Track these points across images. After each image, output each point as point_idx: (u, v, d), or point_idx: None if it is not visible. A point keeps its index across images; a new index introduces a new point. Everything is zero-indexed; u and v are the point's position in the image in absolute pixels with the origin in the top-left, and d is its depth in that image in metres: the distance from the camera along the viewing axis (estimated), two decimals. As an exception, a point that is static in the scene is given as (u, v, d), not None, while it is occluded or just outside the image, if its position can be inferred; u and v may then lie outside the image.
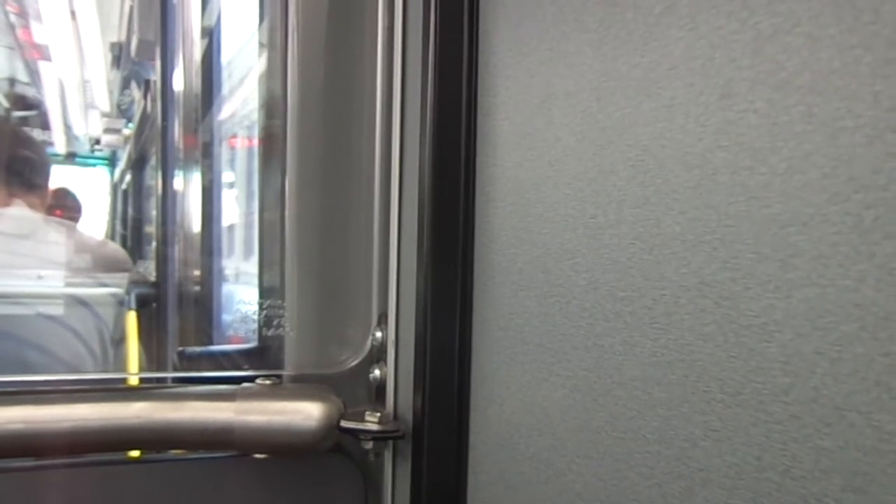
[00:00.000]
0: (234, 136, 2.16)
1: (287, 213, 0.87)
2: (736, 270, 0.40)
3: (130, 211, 4.25)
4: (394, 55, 0.83)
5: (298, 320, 0.87)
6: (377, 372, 0.85)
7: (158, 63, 2.14)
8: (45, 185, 1.81)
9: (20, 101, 3.77)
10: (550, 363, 0.59)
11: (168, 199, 2.09)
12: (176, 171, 2.04)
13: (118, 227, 4.76)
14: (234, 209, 2.24)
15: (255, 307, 1.25)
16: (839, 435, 0.34)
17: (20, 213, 1.72)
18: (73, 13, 2.87)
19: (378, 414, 0.78)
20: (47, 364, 1.60)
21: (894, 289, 0.32)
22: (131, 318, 1.81)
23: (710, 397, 0.42)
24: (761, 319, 0.39)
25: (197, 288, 1.96)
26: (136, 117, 3.47)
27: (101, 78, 3.71)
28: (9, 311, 1.64)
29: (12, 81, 3.85)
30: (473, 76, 0.71)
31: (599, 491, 0.53)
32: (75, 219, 2.63)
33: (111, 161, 5.24)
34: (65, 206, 2.48)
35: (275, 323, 0.94)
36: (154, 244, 2.37)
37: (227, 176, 2.18)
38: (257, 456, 0.79)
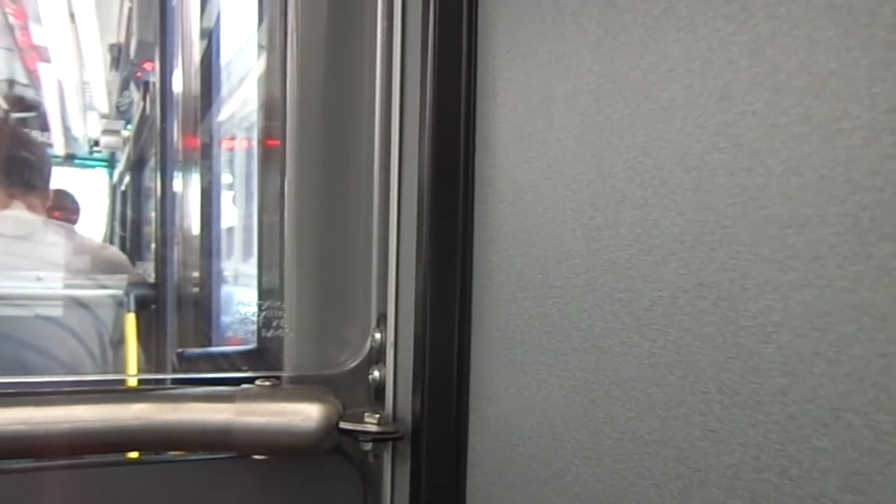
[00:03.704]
0: (233, 137, 2.17)
1: (286, 214, 0.87)
2: (734, 271, 0.41)
3: (129, 212, 4.25)
4: (393, 57, 0.83)
5: (297, 321, 0.87)
6: (376, 373, 0.85)
7: (157, 64, 2.14)
8: (45, 187, 1.81)
9: (19, 103, 3.77)
10: (549, 364, 0.59)
11: (167, 200, 2.09)
12: (175, 173, 2.04)
13: (117, 229, 4.76)
14: (234, 210, 2.24)
15: (255, 308, 1.25)
16: (837, 435, 0.34)
17: (19, 214, 1.72)
18: (72, 15, 2.87)
19: (377, 415, 0.78)
20: (46, 366, 1.60)
21: (892, 290, 0.32)
22: (130, 320, 1.81)
23: (709, 398, 0.42)
24: (759, 320, 0.39)
25: (196, 289, 1.96)
26: (135, 119, 3.47)
27: (100, 79, 3.71)
28: (8, 313, 1.64)
29: (11, 83, 3.85)
30: (472, 78, 0.72)
31: (598, 491, 0.53)
32: (73, 220, 2.64)
33: (110, 162, 5.24)
34: (62, 208, 2.48)
35: (274, 324, 0.94)
36: (153, 246, 2.37)
37: (226, 177, 2.18)
38: (256, 457, 0.79)
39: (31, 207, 1.75)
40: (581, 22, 0.55)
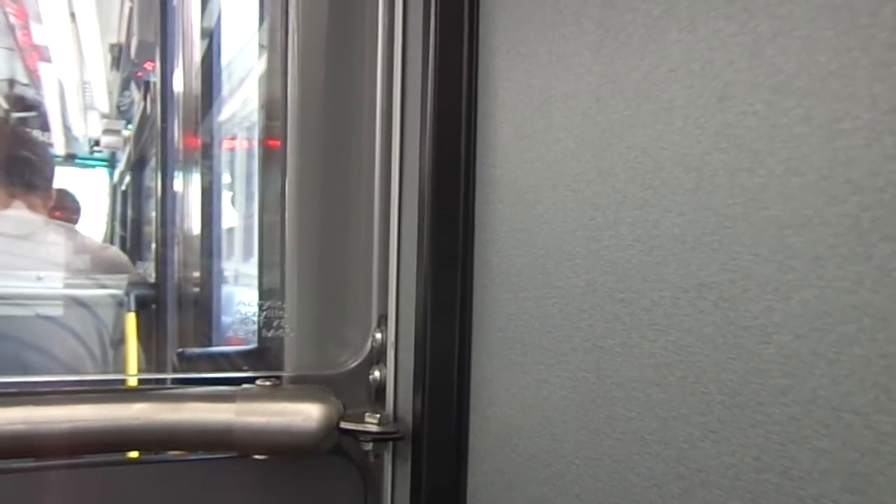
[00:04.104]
0: (234, 137, 2.17)
1: (287, 214, 0.87)
2: (734, 272, 0.41)
3: (130, 212, 4.25)
4: (394, 57, 0.83)
5: (298, 321, 0.87)
6: (377, 373, 0.85)
7: (158, 64, 2.15)
8: (46, 187, 1.81)
9: (20, 103, 3.78)
10: (549, 364, 0.59)
11: (167, 200, 2.09)
12: (175, 173, 2.05)
13: (118, 229, 4.77)
14: (234, 210, 2.24)
15: (255, 308, 1.25)
16: (837, 436, 0.34)
17: (20, 214, 1.72)
18: (72, 14, 2.87)
19: (378, 415, 0.78)
20: (47, 365, 1.61)
21: (892, 290, 0.32)
22: (131, 320, 1.81)
23: (709, 398, 0.42)
24: (760, 321, 0.39)
25: (196, 289, 1.96)
26: (136, 118, 3.48)
27: (100, 79, 3.71)
28: (8, 313, 1.64)
29: (12, 82, 3.86)
30: (473, 78, 0.72)
31: (598, 492, 0.53)
32: (74, 220, 2.64)
33: (111, 162, 5.25)
34: (63, 208, 2.48)
35: (274, 324, 0.94)
36: (153, 245, 2.37)
37: (226, 177, 2.18)
38: (257, 457, 0.79)
39: (32, 207, 1.75)
40: (581, 22, 0.55)
